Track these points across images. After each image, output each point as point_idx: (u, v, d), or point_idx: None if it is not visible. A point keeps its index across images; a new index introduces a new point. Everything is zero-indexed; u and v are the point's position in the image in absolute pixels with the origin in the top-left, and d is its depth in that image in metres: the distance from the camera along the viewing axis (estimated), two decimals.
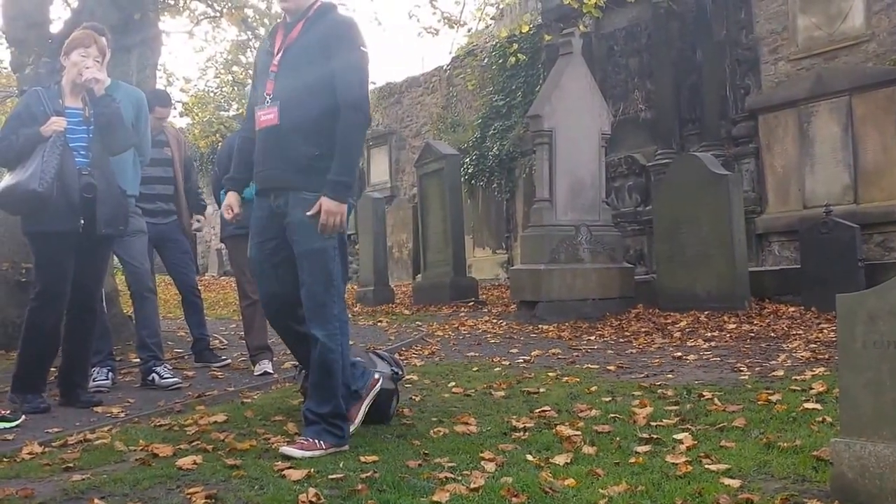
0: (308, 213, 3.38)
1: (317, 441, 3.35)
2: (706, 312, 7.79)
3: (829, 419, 3.42)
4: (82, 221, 4.38)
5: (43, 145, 4.31)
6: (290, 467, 3.12)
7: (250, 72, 12.64)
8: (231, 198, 3.80)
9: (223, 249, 16.02)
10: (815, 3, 9.75)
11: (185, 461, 3.23)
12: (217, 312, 11.14)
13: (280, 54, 3.52)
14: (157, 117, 5.94)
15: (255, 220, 3.65)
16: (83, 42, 4.57)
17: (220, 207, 5.78)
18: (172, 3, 9.24)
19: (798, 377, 4.53)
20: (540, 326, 7.91)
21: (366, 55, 3.53)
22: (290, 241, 3.49)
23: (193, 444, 3.59)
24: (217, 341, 7.39)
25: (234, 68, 13.96)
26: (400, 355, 6.36)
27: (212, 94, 18.13)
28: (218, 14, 9.49)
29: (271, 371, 5.60)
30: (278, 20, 3.77)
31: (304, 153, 3.41)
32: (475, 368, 5.66)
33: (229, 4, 8.94)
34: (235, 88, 16.70)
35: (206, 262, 22.34)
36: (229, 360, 6.25)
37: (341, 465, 3.16)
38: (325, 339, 3.42)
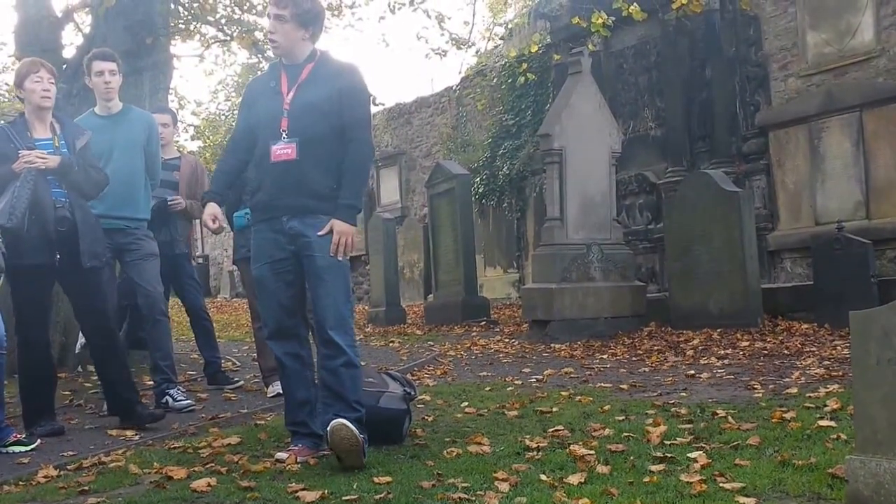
0: (319, 233, 3.61)
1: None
2: (719, 330, 7.75)
3: (843, 436, 3.41)
4: (59, 256, 4.37)
5: (15, 181, 4.26)
6: (304, 489, 3.13)
7: None
8: (212, 208, 3.91)
9: (235, 272, 16.07)
10: (824, 19, 9.76)
11: (200, 483, 3.25)
12: (229, 334, 11.17)
13: (292, 93, 3.73)
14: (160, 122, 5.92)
15: (263, 241, 3.79)
16: (31, 69, 4.53)
17: (232, 230, 5.86)
18: (183, 27, 9.33)
19: (812, 394, 4.50)
20: (552, 345, 7.90)
21: (368, 94, 3.92)
22: (306, 259, 3.66)
23: (208, 466, 3.61)
24: (230, 363, 7.40)
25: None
26: (412, 376, 6.36)
27: (223, 118, 18.27)
28: (228, 38, 9.57)
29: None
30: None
31: (323, 185, 3.67)
32: (488, 388, 5.65)
33: (239, 28, 9.03)
34: None
35: (219, 283, 22.41)
36: (242, 382, 6.26)
37: (355, 486, 3.16)
38: (349, 349, 3.62)
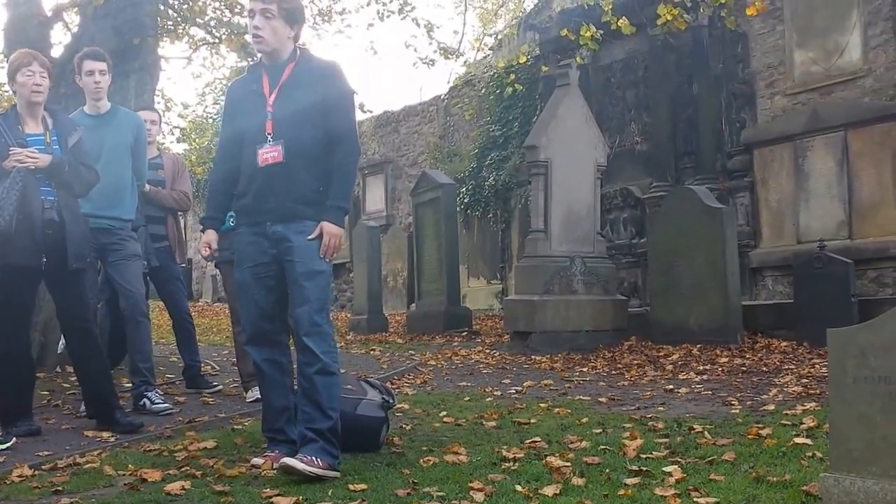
0: (309, 238, 3.59)
1: (315, 458, 3.39)
2: (699, 346, 7.78)
3: (819, 454, 3.42)
4: (45, 259, 4.34)
5: (4, 179, 4.22)
6: (278, 494, 3.12)
7: None
8: (209, 235, 3.93)
9: (217, 275, 15.99)
10: (812, 37, 9.84)
11: (174, 487, 3.24)
12: (210, 338, 11.10)
13: (274, 95, 3.69)
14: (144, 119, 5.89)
15: (246, 245, 3.75)
16: (22, 62, 4.47)
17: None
18: (172, 28, 9.30)
19: (789, 412, 4.52)
20: (533, 357, 7.90)
21: (353, 94, 3.83)
22: (287, 264, 3.62)
23: (182, 469, 3.59)
24: (209, 367, 7.36)
25: None
26: (392, 384, 6.34)
27: (210, 121, 18.20)
28: (217, 40, 9.55)
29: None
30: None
31: (310, 187, 3.63)
32: (467, 398, 5.65)
33: (228, 31, 9.01)
34: None
35: (201, 287, 22.30)
36: (221, 387, 6.22)
37: (330, 493, 3.16)
38: (324, 356, 3.55)
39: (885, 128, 9.00)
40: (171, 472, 3.54)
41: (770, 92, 10.31)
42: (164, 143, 15.35)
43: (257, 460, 3.64)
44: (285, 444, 3.70)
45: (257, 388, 5.58)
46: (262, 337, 3.73)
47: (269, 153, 3.64)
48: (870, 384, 2.56)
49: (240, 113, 3.81)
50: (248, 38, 3.74)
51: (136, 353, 5.28)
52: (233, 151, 3.82)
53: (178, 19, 9.14)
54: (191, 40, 10.16)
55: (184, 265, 6.85)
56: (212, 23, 9.45)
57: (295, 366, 3.72)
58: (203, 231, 3.96)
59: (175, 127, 15.65)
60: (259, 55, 3.88)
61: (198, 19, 9.08)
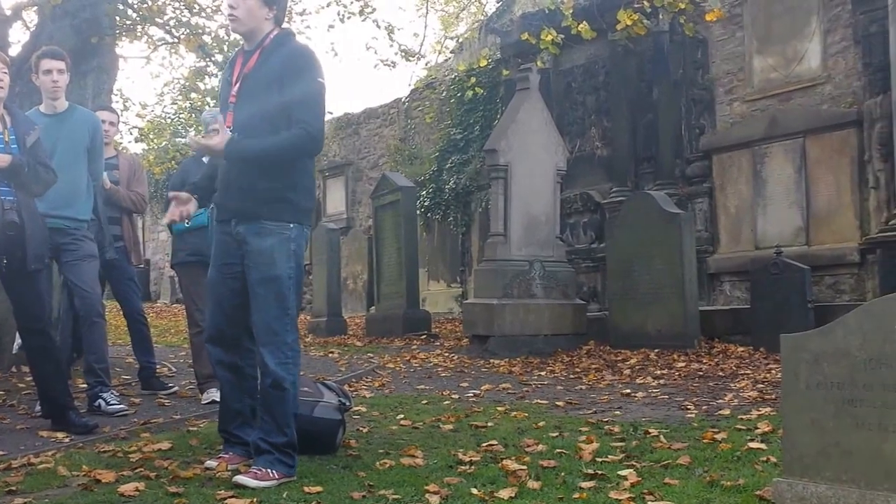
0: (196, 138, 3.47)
1: (270, 471, 3.33)
2: (656, 350, 7.85)
3: (773, 459, 3.45)
4: (5, 260, 4.28)
5: None
6: (233, 496, 3.10)
7: (208, 98, 12.60)
8: (181, 202, 3.76)
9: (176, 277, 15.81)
10: (772, 44, 9.96)
11: (128, 488, 3.21)
12: (167, 340, 10.96)
13: (238, 84, 3.55)
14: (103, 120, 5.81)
15: (218, 243, 3.67)
16: None
17: (171, 233, 5.78)
18: (131, 27, 9.17)
19: (744, 416, 4.57)
20: (491, 361, 7.90)
21: (323, 86, 3.56)
22: (245, 269, 3.52)
23: (137, 470, 3.56)
24: (165, 369, 7.29)
25: (193, 95, 13.87)
26: (350, 387, 6.30)
27: (168, 121, 17.97)
28: (176, 40, 9.44)
29: (219, 399, 5.49)
30: (236, 48, 3.79)
31: (265, 186, 3.47)
32: (425, 401, 5.63)
33: (187, 31, 8.91)
34: (193, 115, 16.58)
35: (159, 288, 22.01)
36: (177, 388, 6.16)
37: (285, 495, 3.14)
38: (277, 368, 3.43)
39: (843, 135, 9.11)
40: (125, 473, 3.50)
41: (729, 98, 10.42)
42: (121, 143, 15.14)
43: (211, 462, 3.59)
44: (239, 445, 3.65)
45: (214, 389, 5.57)
46: (222, 338, 3.64)
47: None
48: (822, 390, 2.59)
49: (220, 104, 3.73)
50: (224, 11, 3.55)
51: (91, 354, 5.22)
52: None
53: (137, 19, 9.02)
54: (149, 40, 10.05)
55: (141, 266, 6.77)
56: (171, 22, 9.35)
57: None
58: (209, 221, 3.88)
59: (133, 127, 15.44)
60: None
61: (157, 19, 8.97)
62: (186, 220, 3.86)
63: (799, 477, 2.61)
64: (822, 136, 9.26)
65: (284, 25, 3.74)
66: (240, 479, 3.28)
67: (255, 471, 3.34)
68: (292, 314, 3.53)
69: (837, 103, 9.30)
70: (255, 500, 3.04)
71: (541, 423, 4.60)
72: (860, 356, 2.50)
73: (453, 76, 14.50)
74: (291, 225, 3.51)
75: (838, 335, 2.57)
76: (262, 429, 3.45)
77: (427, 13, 13.83)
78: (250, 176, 3.49)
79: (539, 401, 5.55)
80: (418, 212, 12.89)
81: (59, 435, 4.37)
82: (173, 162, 16.00)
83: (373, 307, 12.56)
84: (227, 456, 3.62)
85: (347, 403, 4.07)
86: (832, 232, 9.13)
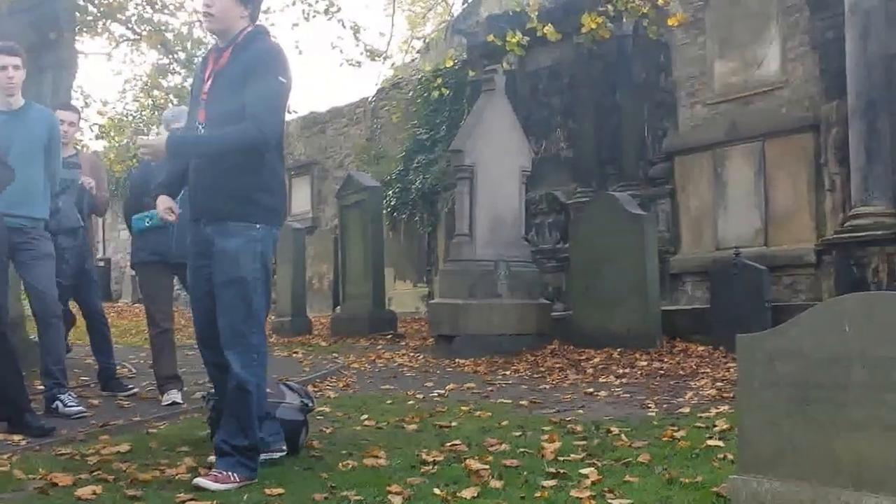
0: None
1: (231, 474, 3.32)
2: (619, 349, 7.92)
3: (730, 456, 3.50)
4: None
5: None
6: (192, 499, 3.08)
7: (171, 96, 12.47)
8: (164, 201, 3.72)
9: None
10: (732, 48, 10.10)
11: (85, 491, 3.18)
12: (128, 340, 10.84)
13: (210, 81, 3.54)
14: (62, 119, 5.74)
15: (192, 245, 3.67)
16: None
17: (131, 232, 5.72)
18: (92, 23, 9.05)
19: (703, 414, 4.63)
20: (457, 360, 7.92)
21: (283, 84, 3.52)
22: (214, 270, 3.50)
23: (94, 473, 3.52)
24: (125, 370, 7.20)
25: (155, 92, 13.72)
26: (314, 387, 6.30)
27: (130, 118, 17.76)
28: (138, 37, 9.33)
29: (180, 401, 5.47)
30: (200, 45, 3.77)
31: (233, 185, 3.45)
32: (389, 401, 5.64)
33: (149, 28, 8.81)
34: (156, 113, 16.41)
35: (121, 288, 21.72)
36: (137, 389, 6.08)
37: (245, 497, 3.12)
38: (241, 370, 3.42)
39: (800, 139, 9.28)
40: (82, 476, 3.46)
41: (691, 101, 10.54)
42: (81, 141, 14.93)
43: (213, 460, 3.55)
44: None
45: (174, 391, 5.53)
46: (208, 340, 3.62)
47: None
48: (776, 389, 2.64)
49: (191, 101, 3.72)
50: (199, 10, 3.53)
51: (48, 355, 5.12)
52: None
53: (98, 14, 8.91)
54: (111, 36, 9.92)
55: (101, 264, 6.69)
56: (133, 18, 9.25)
57: None
58: (153, 200, 3.82)
59: (94, 124, 15.23)
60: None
61: (118, 15, 8.86)
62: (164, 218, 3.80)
63: (754, 474, 2.66)
64: (781, 139, 9.42)
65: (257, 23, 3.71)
66: (200, 481, 3.27)
67: (215, 473, 3.32)
68: (258, 316, 3.52)
69: (795, 108, 9.45)
70: (215, 502, 3.03)
71: (504, 423, 4.62)
72: (812, 356, 2.55)
73: (420, 76, 14.50)
74: (258, 225, 3.49)
75: (792, 335, 2.62)
76: (225, 430, 3.43)
77: (394, 13, 13.82)
78: (217, 175, 3.47)
79: (503, 400, 5.58)
80: (384, 211, 12.87)
81: (16, 437, 4.29)
82: (134, 160, 15.79)
83: (338, 307, 12.51)
84: None
85: (310, 404, 4.06)
86: (790, 233, 9.29)
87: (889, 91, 8.06)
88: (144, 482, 3.35)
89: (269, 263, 3.58)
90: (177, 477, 3.43)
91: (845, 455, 2.45)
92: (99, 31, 9.27)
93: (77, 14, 7.91)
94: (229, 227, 3.45)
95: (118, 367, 6.52)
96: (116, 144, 15.91)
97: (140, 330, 12.06)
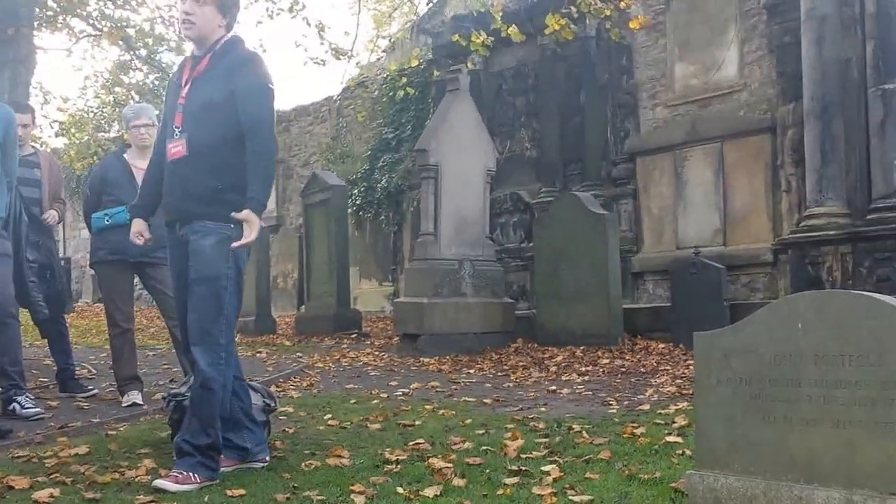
0: (234, 215, 3.42)
1: (191, 474, 3.30)
2: (582, 347, 8.00)
3: (688, 452, 3.56)
4: None
5: None
6: (152, 501, 3.05)
7: (132, 92, 12.33)
8: (138, 225, 3.81)
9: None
10: (692, 52, 10.24)
11: (42, 494, 3.14)
12: (88, 341, 10.69)
13: (188, 87, 3.58)
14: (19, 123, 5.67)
15: (171, 249, 3.70)
16: None
17: (90, 231, 5.65)
18: (52, 18, 8.93)
19: (663, 411, 4.70)
20: (421, 359, 7.94)
21: (272, 91, 3.62)
22: (189, 268, 3.52)
23: (52, 476, 3.48)
24: (85, 371, 7.10)
25: (117, 89, 13.55)
26: (277, 387, 6.27)
27: (91, 115, 17.49)
28: (98, 33, 9.21)
29: (140, 402, 5.42)
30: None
31: (208, 185, 3.50)
32: (353, 401, 5.63)
33: (110, 24, 8.70)
34: (117, 109, 16.20)
35: (81, 287, 21.43)
36: (96, 391, 6.01)
37: (206, 499, 3.10)
38: (207, 368, 3.42)
39: (758, 140, 9.46)
40: (39, 479, 3.42)
41: (652, 103, 10.67)
42: (40, 138, 14.69)
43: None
44: (233, 450, 3.61)
45: (135, 391, 5.48)
46: None
47: (175, 147, 3.56)
48: (732, 385, 2.69)
49: (167, 107, 3.72)
50: (177, 21, 3.55)
51: (5, 356, 5.04)
52: (162, 147, 3.73)
53: (58, 9, 8.79)
54: (71, 32, 9.77)
55: (61, 263, 6.60)
56: (94, 14, 9.13)
57: None
58: (130, 221, 3.86)
59: (54, 121, 15.00)
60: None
61: (79, 10, 8.75)
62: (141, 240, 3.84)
63: (710, 469, 2.70)
64: (739, 141, 9.59)
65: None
66: (160, 483, 3.25)
67: (175, 474, 3.30)
68: (228, 315, 3.52)
69: (753, 110, 9.62)
70: None
71: (468, 421, 4.65)
72: (767, 353, 2.60)
73: (385, 75, 14.49)
74: (232, 226, 3.50)
75: (747, 333, 2.67)
76: (187, 429, 3.42)
77: (359, 11, 13.77)
78: (192, 177, 3.51)
79: (467, 398, 5.61)
80: (350, 210, 12.84)
81: None
82: (95, 157, 15.59)
83: (303, 306, 12.46)
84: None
85: (273, 404, 4.05)
86: (748, 233, 9.46)
87: (843, 94, 8.23)
88: (103, 484, 3.32)
89: (242, 265, 3.59)
90: (136, 479, 3.40)
91: (798, 450, 2.50)
92: (59, 26, 9.14)
93: (36, 9, 7.80)
94: (204, 226, 3.49)
95: (77, 368, 6.44)
96: (77, 142, 15.66)
97: (100, 330, 11.91)
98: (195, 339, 3.45)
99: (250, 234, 3.43)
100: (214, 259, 3.46)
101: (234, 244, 3.44)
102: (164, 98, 4.00)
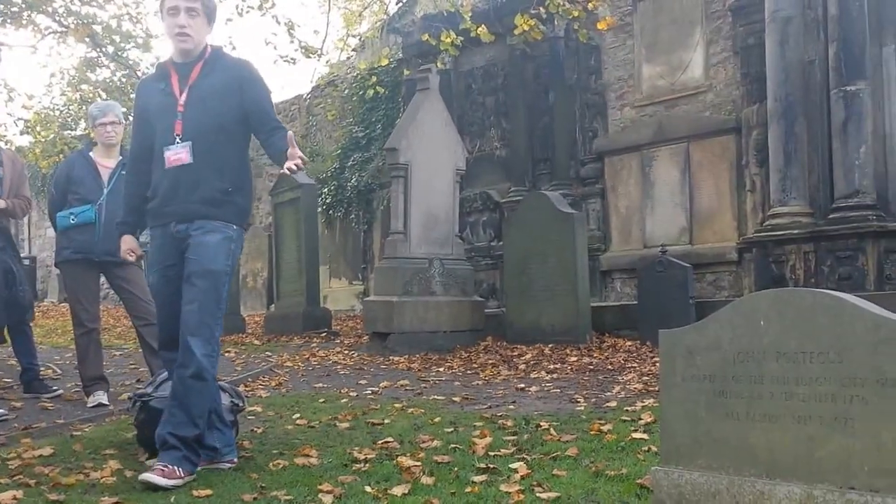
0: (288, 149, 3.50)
1: (177, 468, 3.33)
2: (550, 345, 8.04)
3: (654, 448, 3.59)
4: None
5: None
6: (117, 503, 3.02)
7: (99, 91, 12.18)
8: (129, 241, 3.87)
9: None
10: (659, 53, 10.34)
11: (5, 496, 3.11)
12: (53, 340, 10.57)
13: (185, 95, 3.63)
14: None
15: (156, 248, 3.73)
16: None
17: (55, 230, 5.59)
18: (17, 14, 8.80)
19: (629, 408, 4.74)
20: (391, 358, 7.94)
21: (270, 93, 3.83)
22: (186, 261, 3.57)
23: (15, 478, 3.44)
24: (50, 371, 7.03)
25: (83, 86, 13.39)
26: (246, 387, 6.24)
27: (57, 113, 17.26)
28: (64, 29, 9.09)
29: (106, 402, 5.37)
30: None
31: (217, 188, 3.60)
32: (322, 400, 5.62)
33: (76, 20, 8.59)
34: (83, 107, 16.00)
35: (46, 287, 21.16)
36: (61, 391, 5.94)
37: (173, 499, 3.08)
38: (203, 359, 3.48)
39: (723, 141, 9.58)
40: (2, 481, 3.38)
41: (620, 103, 10.76)
42: (6, 136, 14.48)
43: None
44: (202, 449, 3.59)
45: (100, 392, 5.43)
46: (174, 341, 3.61)
47: (177, 155, 3.60)
48: (696, 382, 2.72)
49: (150, 114, 3.73)
50: (171, 36, 3.60)
51: None
52: (146, 153, 3.76)
53: (23, 5, 8.66)
54: (36, 28, 9.64)
55: (27, 262, 6.51)
56: (60, 10, 9.02)
57: None
58: (119, 238, 3.88)
59: (19, 119, 14.77)
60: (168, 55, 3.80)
61: (44, 6, 8.63)
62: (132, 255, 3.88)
63: (675, 465, 2.74)
64: (705, 141, 9.71)
65: None
66: (147, 476, 3.26)
67: (161, 467, 3.31)
68: (223, 311, 3.63)
69: (718, 111, 9.75)
70: None
71: (437, 419, 4.66)
72: (730, 350, 2.64)
73: (355, 74, 14.46)
74: (234, 226, 3.65)
75: (710, 330, 2.71)
76: (172, 422, 3.44)
77: (329, 10, 13.73)
78: (202, 182, 3.58)
79: (436, 397, 5.62)
80: (320, 209, 12.80)
81: None
82: (61, 155, 15.38)
83: (272, 305, 12.41)
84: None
85: (241, 404, 4.03)
86: (713, 232, 9.58)
87: (806, 96, 8.35)
88: (67, 486, 3.28)
89: (235, 264, 3.72)
90: (101, 480, 3.37)
91: (760, 445, 2.54)
92: (24, 22, 9.01)
93: (0, 5, 7.68)
94: (210, 224, 3.58)
95: (42, 369, 6.36)
96: (43, 140, 15.45)
97: (66, 330, 11.77)
98: (193, 329, 3.48)
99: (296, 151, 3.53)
100: (217, 255, 3.57)
101: (291, 154, 3.50)
102: (135, 101, 3.98)
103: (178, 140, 3.60)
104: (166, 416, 3.48)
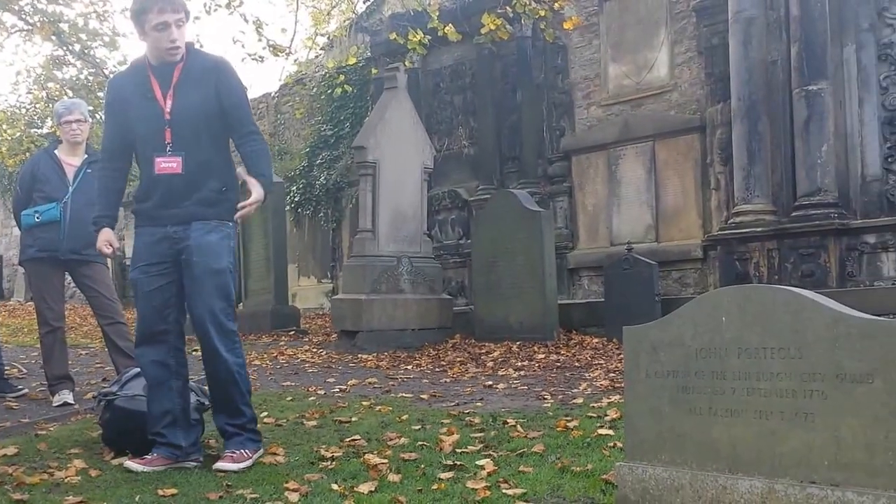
0: (242, 205, 3.61)
1: (244, 451, 3.56)
2: (518, 343, 8.09)
3: (619, 444, 3.63)
4: None
5: None
6: (81, 502, 3.01)
7: (66, 89, 12.02)
8: (107, 234, 3.83)
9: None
10: (625, 53, 10.43)
11: None
12: (19, 339, 10.43)
13: (170, 101, 3.63)
14: None
15: (142, 245, 3.73)
16: None
17: (20, 228, 5.52)
18: None
19: (595, 404, 4.78)
20: (359, 356, 7.94)
21: (245, 90, 3.87)
22: (186, 264, 3.62)
23: None
24: (15, 370, 6.95)
25: (50, 84, 13.21)
26: None
27: (23, 111, 17.02)
28: (30, 27, 8.97)
29: (72, 401, 5.32)
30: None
31: (212, 188, 3.65)
32: (289, 398, 5.61)
33: (42, 18, 8.47)
34: (49, 105, 15.79)
35: (13, 286, 20.85)
36: (26, 390, 5.88)
37: (137, 498, 3.07)
38: (229, 355, 3.63)
39: (688, 139, 9.69)
40: None
41: (587, 102, 10.83)
42: None
43: (133, 464, 3.53)
44: (165, 447, 3.63)
45: (66, 391, 5.38)
46: (153, 337, 3.69)
47: (168, 164, 3.62)
48: (659, 378, 2.76)
49: (129, 114, 3.71)
50: (165, 46, 3.60)
51: None
52: (121, 151, 3.78)
53: None
54: (2, 26, 9.51)
55: None
56: (26, 8, 8.89)
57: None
58: (97, 231, 3.83)
59: None
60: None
61: (9, 4, 8.50)
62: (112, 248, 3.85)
63: (639, 461, 2.77)
64: (670, 140, 9.81)
65: None
66: (220, 465, 3.47)
67: (230, 454, 3.51)
68: (233, 304, 3.74)
69: (683, 110, 9.86)
70: None
71: (404, 417, 4.67)
72: (692, 346, 2.68)
73: (323, 73, 14.41)
74: (230, 223, 3.72)
75: (673, 326, 2.75)
76: (223, 414, 3.62)
77: (297, 8, 13.68)
78: (198, 186, 3.62)
79: (404, 394, 5.63)
80: (288, 207, 12.74)
81: None
82: (27, 153, 15.18)
83: (240, 303, 12.33)
84: (151, 457, 3.60)
85: (206, 403, 4.01)
86: (679, 229, 9.68)
87: (769, 95, 8.46)
88: (31, 485, 3.26)
89: (235, 258, 3.78)
90: (66, 479, 3.34)
91: (722, 440, 2.58)
92: None
93: None
94: (209, 223, 3.63)
95: (7, 367, 6.29)
96: (9, 138, 15.23)
97: (31, 329, 11.62)
98: (210, 330, 3.59)
99: (252, 201, 3.61)
100: (221, 253, 3.65)
101: (241, 204, 3.61)
102: (107, 97, 3.97)
103: (168, 149, 3.62)
104: (217, 408, 3.69)
